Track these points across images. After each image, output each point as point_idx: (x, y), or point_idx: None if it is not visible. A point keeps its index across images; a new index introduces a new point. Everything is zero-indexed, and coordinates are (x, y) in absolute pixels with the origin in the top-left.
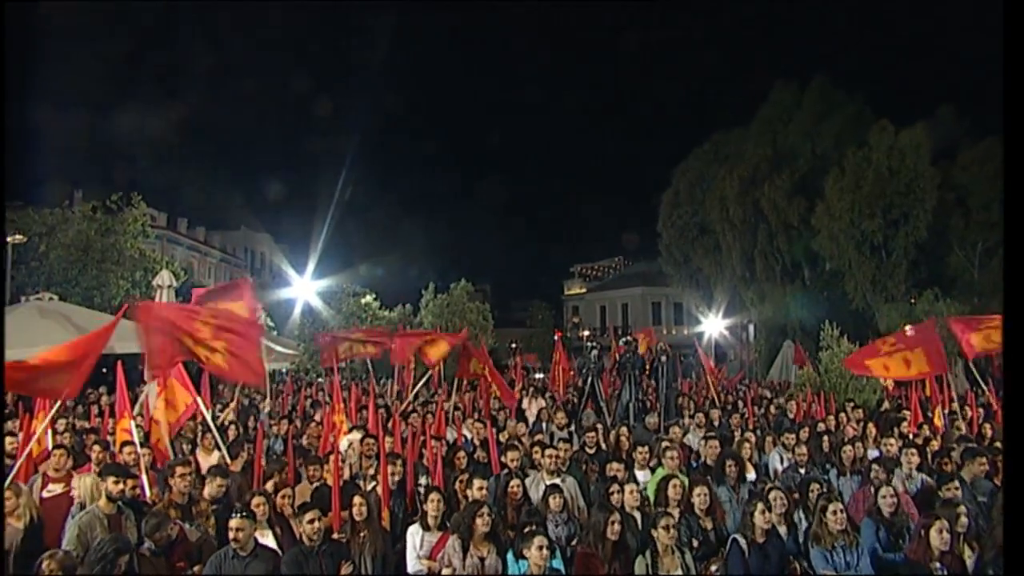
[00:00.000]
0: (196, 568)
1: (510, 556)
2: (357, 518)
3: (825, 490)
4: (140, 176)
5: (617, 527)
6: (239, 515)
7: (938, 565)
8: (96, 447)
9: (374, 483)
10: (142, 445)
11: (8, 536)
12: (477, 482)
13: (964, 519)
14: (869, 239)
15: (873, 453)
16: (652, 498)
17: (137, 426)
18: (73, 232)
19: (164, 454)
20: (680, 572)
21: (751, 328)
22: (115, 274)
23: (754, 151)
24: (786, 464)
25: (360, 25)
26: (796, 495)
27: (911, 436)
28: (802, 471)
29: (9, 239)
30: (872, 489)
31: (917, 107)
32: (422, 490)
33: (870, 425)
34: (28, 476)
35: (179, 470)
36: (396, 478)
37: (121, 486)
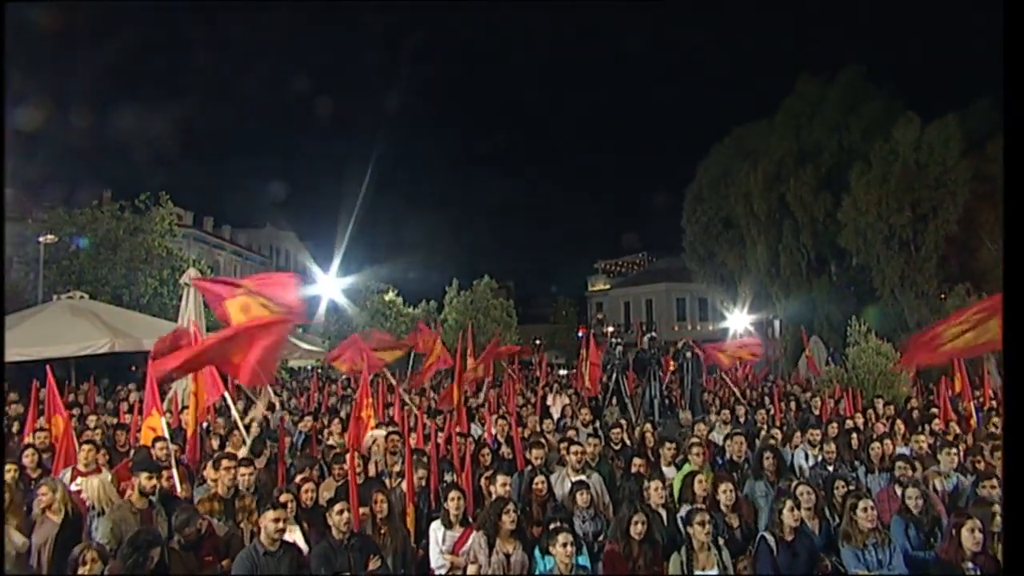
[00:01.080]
0: (224, 562)
1: (536, 552)
2: (378, 515)
3: (853, 487)
4: (166, 175)
5: (641, 527)
6: (276, 507)
7: (971, 565)
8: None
9: (399, 480)
10: (171, 441)
11: (44, 531)
12: (501, 478)
13: (999, 518)
14: (897, 233)
15: (902, 450)
16: (676, 495)
17: (167, 423)
18: (102, 231)
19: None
20: (716, 569)
21: (777, 324)
22: (143, 272)
23: (778, 145)
24: (812, 461)
25: (389, 25)
26: (823, 492)
27: (941, 433)
28: (829, 468)
29: (41, 239)
30: (898, 487)
31: (949, 99)
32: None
33: (898, 422)
34: (58, 470)
35: (224, 463)
36: (423, 479)
37: (154, 481)
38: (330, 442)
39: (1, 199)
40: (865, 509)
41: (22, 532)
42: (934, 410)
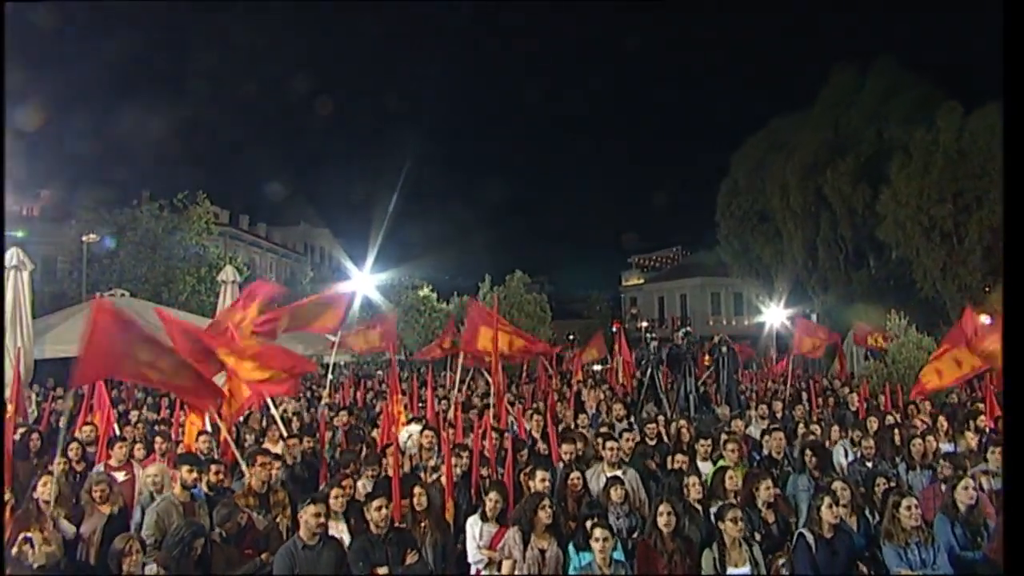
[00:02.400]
0: (264, 555)
1: (571, 548)
2: (418, 508)
3: (893, 484)
4: (203, 174)
5: (668, 517)
6: (316, 502)
7: None
8: (158, 438)
9: (436, 474)
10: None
11: (94, 521)
12: (540, 474)
13: None
14: (939, 225)
15: (945, 447)
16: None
17: (208, 417)
18: (142, 231)
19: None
20: (748, 566)
21: (814, 318)
22: (182, 271)
23: (815, 136)
24: (851, 458)
25: (423, 20)
26: (863, 489)
27: (988, 430)
28: (869, 465)
29: (84, 238)
30: (942, 485)
31: (991, 88)
32: (485, 482)
33: (940, 418)
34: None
35: (259, 459)
36: (460, 469)
37: (195, 475)
38: (374, 435)
39: (1, 199)
40: (909, 507)
41: (70, 521)
42: (979, 406)
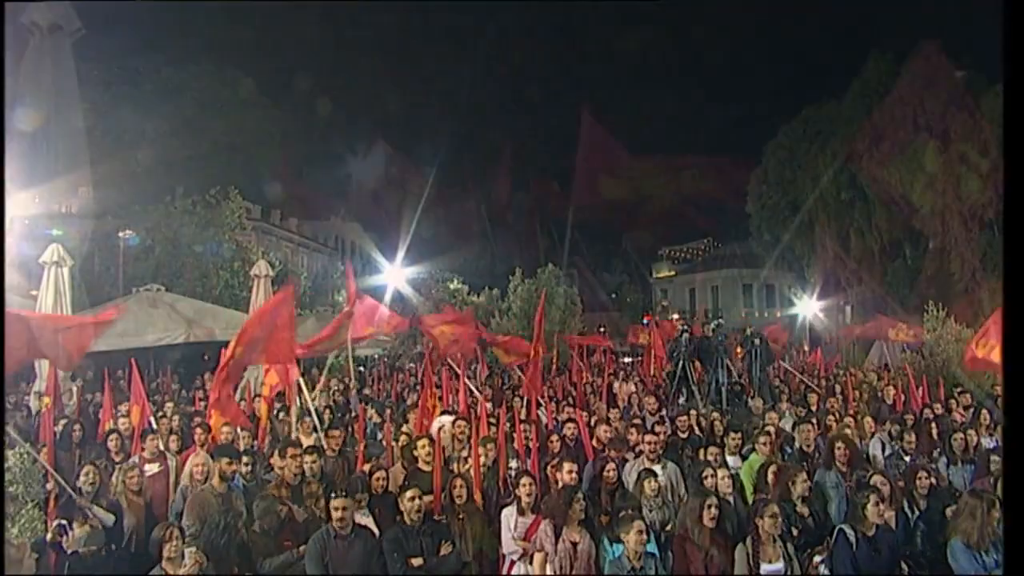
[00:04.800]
0: (300, 548)
1: (605, 540)
2: (457, 500)
3: (935, 480)
4: (236, 169)
5: (715, 511)
6: (341, 495)
7: None
8: (198, 430)
9: (467, 465)
10: (242, 428)
11: (134, 513)
12: (567, 465)
13: None
14: (978, 214)
15: (985, 441)
16: (750, 485)
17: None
18: (175, 226)
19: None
20: (782, 562)
21: (848, 310)
22: (215, 265)
23: (850, 125)
24: (888, 451)
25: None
26: (901, 484)
27: None
28: (906, 459)
29: (120, 234)
30: (993, 480)
31: None
32: (513, 473)
33: (983, 412)
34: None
35: (291, 451)
36: (487, 460)
37: (234, 467)
38: (404, 429)
39: (1, 199)
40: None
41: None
42: None
